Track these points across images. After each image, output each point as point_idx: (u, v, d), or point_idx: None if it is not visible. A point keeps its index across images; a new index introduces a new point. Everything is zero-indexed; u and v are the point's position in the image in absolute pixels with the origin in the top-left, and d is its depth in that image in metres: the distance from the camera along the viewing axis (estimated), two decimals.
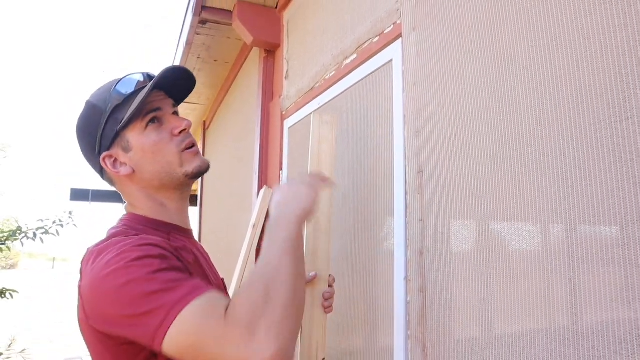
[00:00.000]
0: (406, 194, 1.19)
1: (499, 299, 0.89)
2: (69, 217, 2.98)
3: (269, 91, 2.43)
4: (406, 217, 1.18)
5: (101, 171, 0.91)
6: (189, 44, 2.75)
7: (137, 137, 0.86)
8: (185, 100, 3.38)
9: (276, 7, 2.43)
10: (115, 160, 0.87)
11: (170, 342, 0.63)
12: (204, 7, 2.37)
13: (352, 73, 1.56)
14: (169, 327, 0.63)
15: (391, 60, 1.33)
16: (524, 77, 0.86)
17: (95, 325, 0.71)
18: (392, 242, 1.24)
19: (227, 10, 2.44)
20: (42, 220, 2.82)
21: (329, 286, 1.20)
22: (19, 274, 25.65)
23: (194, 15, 2.38)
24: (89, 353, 0.81)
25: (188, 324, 0.63)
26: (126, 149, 0.86)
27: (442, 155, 1.06)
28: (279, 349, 0.59)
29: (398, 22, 1.30)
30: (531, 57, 0.85)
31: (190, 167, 0.89)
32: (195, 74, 3.75)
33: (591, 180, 0.73)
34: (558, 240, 0.78)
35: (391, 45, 1.33)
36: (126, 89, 0.86)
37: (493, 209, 0.91)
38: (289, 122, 2.14)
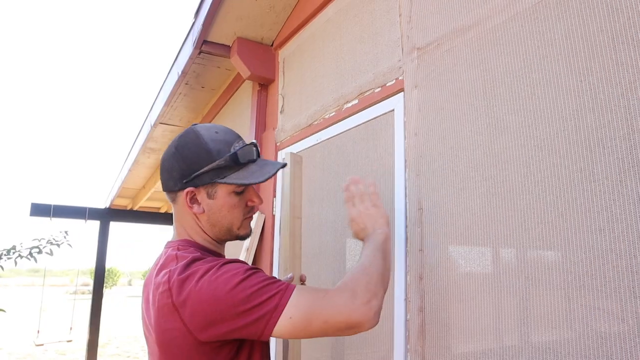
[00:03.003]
0: (406, 227, 1.39)
1: (492, 317, 1.09)
2: (64, 237, 2.98)
3: (262, 122, 2.61)
4: (406, 247, 1.38)
5: (170, 190, 1.05)
6: (184, 73, 2.89)
7: (224, 194, 1.02)
8: (166, 122, 3.51)
9: (272, 45, 2.62)
10: (195, 197, 1.01)
11: (284, 320, 0.83)
12: (205, 42, 2.53)
13: (353, 116, 1.76)
14: (285, 307, 0.83)
15: (393, 110, 1.54)
16: (513, 142, 1.09)
17: (196, 332, 0.85)
18: (393, 269, 1.43)
19: (226, 45, 2.61)
20: (38, 240, 2.82)
21: (302, 282, 1.43)
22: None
23: (195, 47, 2.54)
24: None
25: (302, 301, 0.84)
26: (210, 196, 1.02)
27: (441, 196, 1.27)
28: (374, 307, 0.87)
29: (400, 78, 1.52)
30: (520, 126, 1.08)
31: (243, 231, 1.09)
32: (180, 98, 3.86)
33: (567, 227, 0.95)
34: (537, 266, 1.00)
35: (393, 97, 1.55)
36: (241, 158, 1.01)
37: (485, 242, 1.13)
38: (283, 153, 2.31)
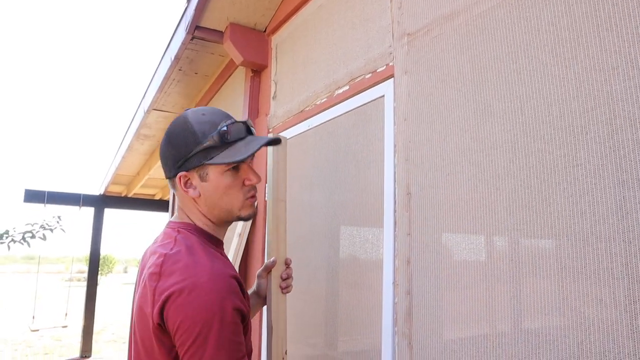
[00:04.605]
0: (395, 211, 1.40)
1: (478, 301, 1.11)
2: (57, 222, 2.98)
3: (255, 109, 2.61)
4: (395, 231, 1.39)
5: (168, 177, 1.05)
6: (177, 58, 2.87)
7: (216, 175, 1.00)
8: (159, 109, 3.51)
9: (264, 31, 2.61)
10: (188, 181, 1.01)
11: None
12: (197, 27, 2.51)
13: (344, 102, 1.77)
14: None
15: (383, 96, 1.55)
16: (500, 127, 1.10)
17: (159, 321, 0.87)
18: (381, 253, 1.45)
19: (219, 31, 2.59)
20: (31, 225, 2.82)
21: (287, 267, 1.38)
22: None
23: (188, 33, 2.52)
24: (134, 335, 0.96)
25: None
26: (202, 178, 1.01)
27: (429, 181, 1.29)
28: None
29: (390, 64, 1.52)
30: (506, 112, 1.09)
31: (245, 213, 1.07)
32: (173, 84, 3.84)
33: (550, 211, 0.97)
34: (522, 249, 1.02)
35: (383, 83, 1.55)
36: (229, 137, 0.99)
37: (472, 226, 1.14)
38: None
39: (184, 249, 0.94)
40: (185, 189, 1.02)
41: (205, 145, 0.98)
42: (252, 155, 1.00)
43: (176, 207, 1.11)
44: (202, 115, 1.01)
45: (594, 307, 0.88)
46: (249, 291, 1.43)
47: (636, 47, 0.85)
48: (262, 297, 1.38)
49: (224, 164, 0.99)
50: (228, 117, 1.04)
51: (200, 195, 1.02)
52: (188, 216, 1.05)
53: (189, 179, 1.02)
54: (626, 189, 0.84)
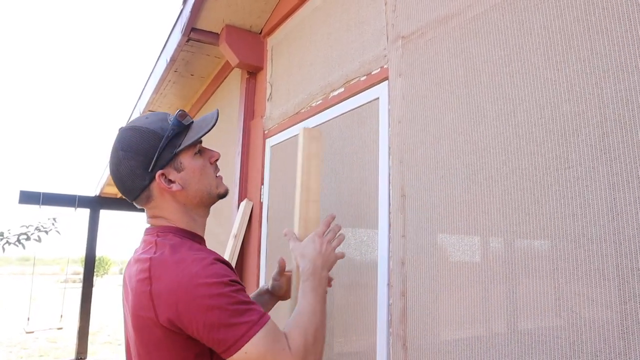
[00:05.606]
0: (390, 213, 1.41)
1: (472, 302, 1.12)
2: (53, 224, 2.97)
3: (250, 110, 2.61)
4: (389, 233, 1.40)
5: (142, 189, 1.04)
6: (173, 60, 2.88)
7: (189, 160, 1.05)
8: (155, 110, 3.56)
9: (260, 33, 2.62)
10: (167, 177, 1.03)
11: (240, 354, 0.84)
12: (193, 29, 2.52)
13: (339, 104, 1.77)
14: (246, 342, 0.84)
15: (378, 98, 1.55)
16: (493, 130, 1.11)
17: (167, 324, 0.87)
18: (376, 254, 1.45)
19: (214, 33, 2.60)
20: (25, 227, 2.81)
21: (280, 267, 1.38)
22: None
23: (183, 35, 2.52)
24: (134, 344, 0.95)
25: (261, 344, 0.85)
26: (178, 169, 1.03)
27: (423, 183, 1.30)
28: None
29: (385, 66, 1.53)
30: (499, 114, 1.10)
31: (221, 189, 1.12)
32: (169, 86, 3.84)
33: (542, 212, 0.98)
34: (514, 251, 1.03)
35: (378, 85, 1.56)
36: (184, 120, 1.04)
37: (465, 228, 1.15)
38: (271, 141, 2.33)
39: (168, 249, 0.95)
40: (167, 187, 1.02)
41: (169, 134, 1.02)
42: (214, 124, 1.06)
43: (146, 219, 1.10)
44: (146, 119, 1.06)
45: (586, 308, 0.89)
46: (261, 289, 1.41)
47: (626, 51, 0.86)
48: (275, 296, 1.39)
49: (195, 141, 1.03)
50: (167, 113, 1.09)
51: (182, 188, 1.04)
52: (166, 218, 1.06)
53: (166, 175, 1.03)
54: (617, 191, 0.85)
